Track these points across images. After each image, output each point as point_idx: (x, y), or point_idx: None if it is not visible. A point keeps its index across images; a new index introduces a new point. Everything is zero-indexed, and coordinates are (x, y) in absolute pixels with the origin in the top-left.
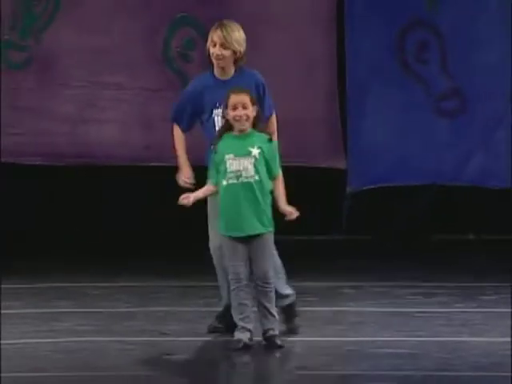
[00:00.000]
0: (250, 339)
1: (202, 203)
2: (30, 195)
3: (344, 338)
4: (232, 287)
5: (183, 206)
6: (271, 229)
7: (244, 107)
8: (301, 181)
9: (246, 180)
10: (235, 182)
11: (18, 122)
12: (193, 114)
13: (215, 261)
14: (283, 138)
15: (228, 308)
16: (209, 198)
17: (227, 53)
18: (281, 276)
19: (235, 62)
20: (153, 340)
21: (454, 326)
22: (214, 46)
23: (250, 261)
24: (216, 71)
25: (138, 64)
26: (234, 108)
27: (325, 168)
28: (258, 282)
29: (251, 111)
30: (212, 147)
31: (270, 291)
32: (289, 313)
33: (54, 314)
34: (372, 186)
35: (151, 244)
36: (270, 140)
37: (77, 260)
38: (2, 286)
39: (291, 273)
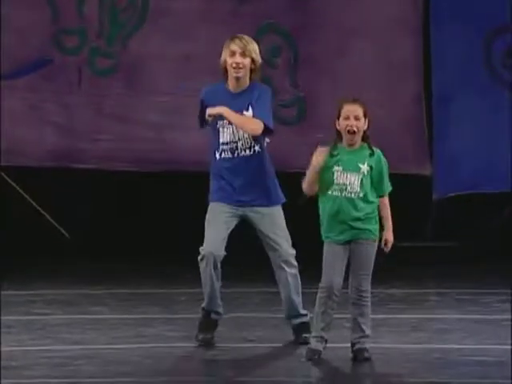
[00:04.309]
0: (325, 348)
1: None
2: (106, 201)
3: (429, 346)
4: (321, 294)
5: None
6: (374, 237)
7: (356, 118)
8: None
9: (349, 195)
10: (338, 195)
11: (104, 129)
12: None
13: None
14: None
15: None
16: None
17: (247, 61)
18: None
19: (250, 73)
20: (239, 346)
21: None
22: (233, 55)
23: (349, 270)
24: (230, 83)
25: None
26: (346, 118)
27: (411, 174)
28: (352, 294)
29: (363, 123)
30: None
31: (363, 305)
32: (302, 329)
33: (142, 319)
34: (458, 193)
35: (239, 251)
36: (378, 154)
37: (164, 267)
38: (91, 291)
39: (377, 280)
